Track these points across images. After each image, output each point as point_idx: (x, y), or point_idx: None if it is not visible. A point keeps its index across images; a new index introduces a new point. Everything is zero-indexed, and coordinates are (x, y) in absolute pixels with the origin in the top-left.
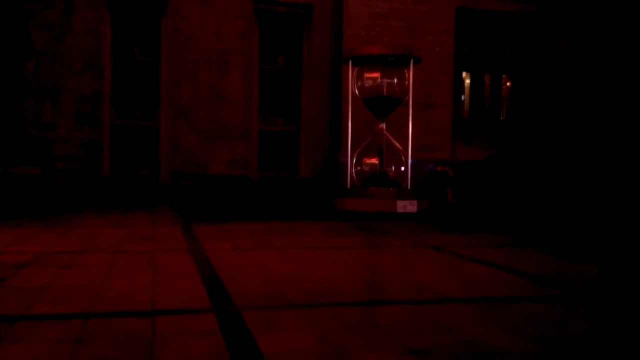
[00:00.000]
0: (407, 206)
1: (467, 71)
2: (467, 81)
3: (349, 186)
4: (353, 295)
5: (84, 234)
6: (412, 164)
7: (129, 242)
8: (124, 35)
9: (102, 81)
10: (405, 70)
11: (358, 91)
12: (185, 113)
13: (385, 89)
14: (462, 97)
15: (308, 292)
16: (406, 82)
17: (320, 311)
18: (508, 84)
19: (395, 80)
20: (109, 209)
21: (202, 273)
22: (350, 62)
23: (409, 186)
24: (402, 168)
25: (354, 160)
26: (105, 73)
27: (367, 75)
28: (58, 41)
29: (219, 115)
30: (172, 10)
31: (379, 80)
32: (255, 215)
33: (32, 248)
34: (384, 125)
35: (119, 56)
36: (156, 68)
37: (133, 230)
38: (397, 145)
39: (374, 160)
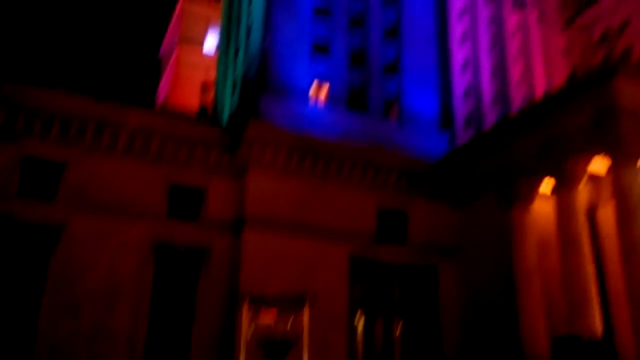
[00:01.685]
0: None
1: (360, 315)
2: (361, 324)
3: None
4: None
5: None
6: None
7: None
8: (5, 273)
9: None
10: (300, 313)
11: (252, 334)
12: (61, 353)
13: (279, 333)
14: (357, 340)
15: None
16: (301, 325)
17: None
18: (400, 327)
19: (290, 323)
20: None
21: None
22: (246, 302)
23: None
24: None
25: None
26: None
27: (261, 317)
28: None
29: (99, 358)
30: (63, 248)
31: (274, 323)
32: None
33: None
34: None
35: None
36: (36, 306)
37: None
38: None
39: None
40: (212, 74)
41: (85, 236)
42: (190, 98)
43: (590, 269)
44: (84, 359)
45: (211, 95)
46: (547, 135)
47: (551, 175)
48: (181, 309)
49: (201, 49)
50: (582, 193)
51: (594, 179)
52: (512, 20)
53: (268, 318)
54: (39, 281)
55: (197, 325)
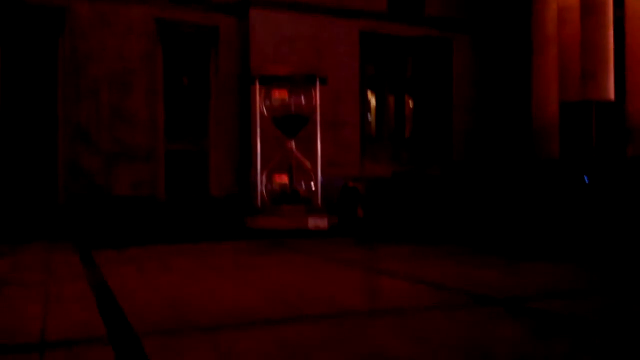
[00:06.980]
0: (318, 223)
1: (372, 91)
2: (373, 101)
3: (259, 205)
4: (262, 315)
5: None
6: (322, 180)
7: (18, 271)
8: (16, 56)
9: None
10: (312, 90)
11: (266, 110)
12: (85, 134)
13: (293, 108)
14: (369, 116)
15: (215, 314)
16: (313, 101)
17: (227, 334)
18: (411, 103)
19: (303, 99)
20: None
21: (99, 301)
22: (257, 82)
23: (319, 203)
24: (312, 185)
25: (265, 179)
26: None
27: (274, 94)
28: None
29: (122, 136)
30: (69, 30)
31: (287, 99)
32: (162, 238)
33: None
34: (293, 144)
35: (9, 77)
36: (53, 88)
37: (24, 258)
38: (307, 163)
39: (284, 178)
40: None
41: (90, 20)
42: None
43: (610, 33)
44: (107, 138)
45: None
46: None
47: None
48: (195, 91)
49: None
50: None
51: None
52: None
53: (280, 96)
54: (52, 65)
55: (213, 104)
